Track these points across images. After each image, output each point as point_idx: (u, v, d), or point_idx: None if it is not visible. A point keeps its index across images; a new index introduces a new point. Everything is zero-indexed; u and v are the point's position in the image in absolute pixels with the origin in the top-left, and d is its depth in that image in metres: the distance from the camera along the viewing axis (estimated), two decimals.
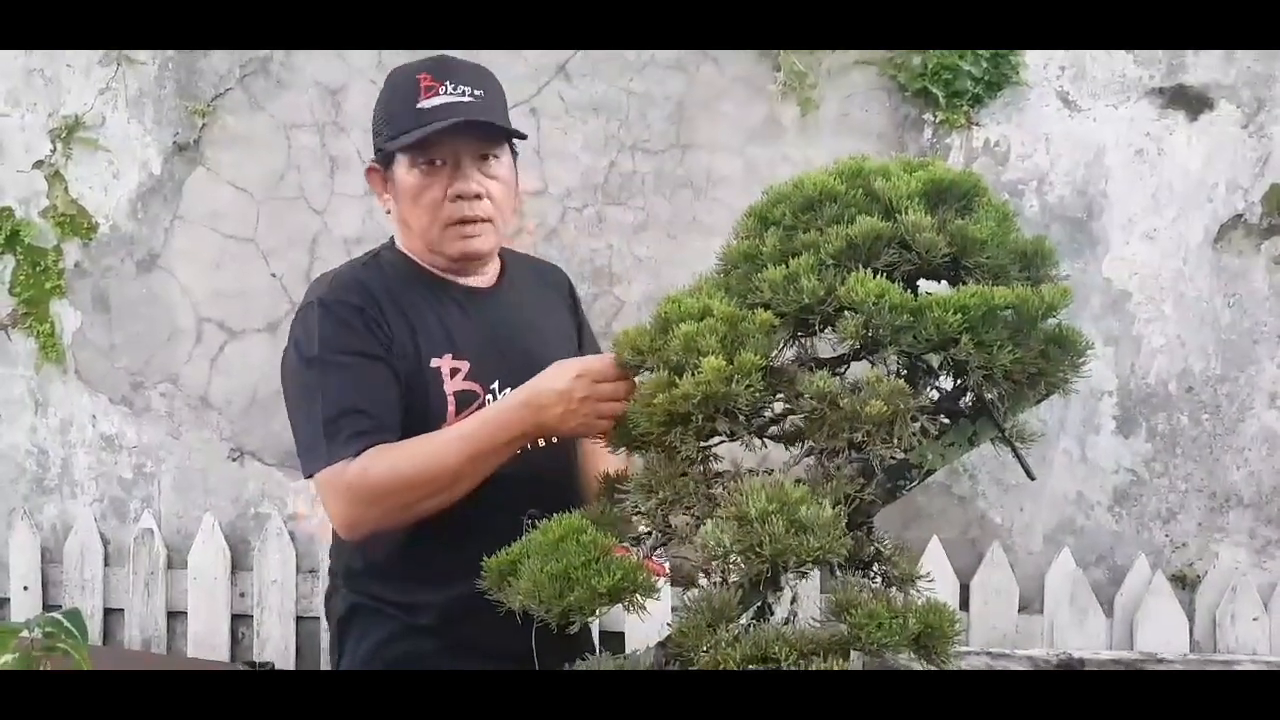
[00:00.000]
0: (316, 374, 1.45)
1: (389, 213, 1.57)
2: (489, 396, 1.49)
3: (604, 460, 1.46)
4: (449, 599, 1.46)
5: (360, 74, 2.59)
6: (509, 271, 1.64)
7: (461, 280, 1.56)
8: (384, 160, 1.53)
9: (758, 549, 1.05)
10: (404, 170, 1.50)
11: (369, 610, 1.54)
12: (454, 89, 1.47)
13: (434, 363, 1.49)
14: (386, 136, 1.51)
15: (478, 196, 1.49)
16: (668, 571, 1.27)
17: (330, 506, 1.44)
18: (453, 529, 1.44)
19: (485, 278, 1.59)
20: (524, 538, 1.23)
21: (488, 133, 1.49)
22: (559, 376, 1.36)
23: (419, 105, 1.46)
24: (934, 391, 1.23)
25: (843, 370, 1.24)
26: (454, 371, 1.49)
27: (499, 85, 1.56)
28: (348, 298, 1.48)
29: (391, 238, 1.61)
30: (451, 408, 1.48)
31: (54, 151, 2.72)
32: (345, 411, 1.41)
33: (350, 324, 1.46)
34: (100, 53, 2.68)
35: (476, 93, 1.49)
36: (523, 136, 1.56)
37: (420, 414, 1.45)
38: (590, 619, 1.13)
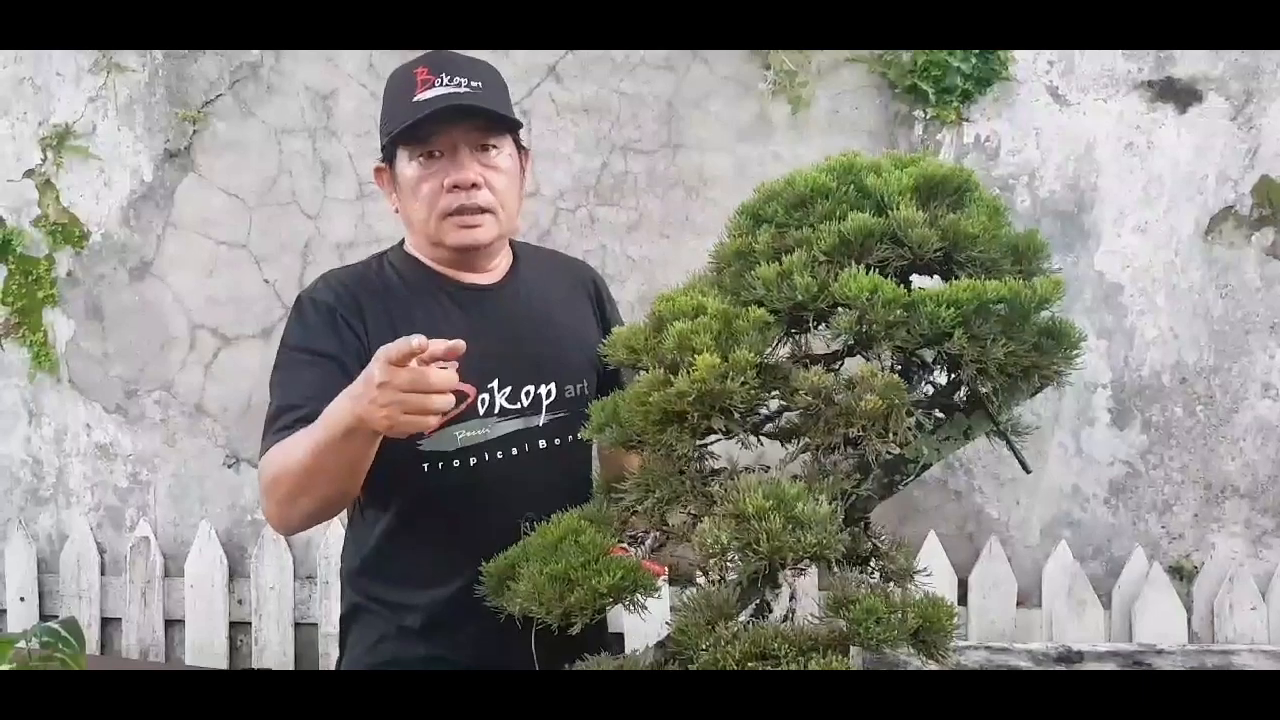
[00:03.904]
0: (276, 368, 1.48)
1: (397, 211, 1.56)
2: (485, 397, 1.48)
3: (627, 462, 1.42)
4: (436, 600, 1.47)
5: (351, 79, 2.59)
6: (520, 267, 1.61)
7: (465, 277, 1.54)
8: (389, 158, 1.53)
9: (755, 546, 1.05)
10: (404, 164, 1.49)
11: (365, 610, 1.55)
12: (450, 80, 1.46)
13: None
14: (386, 132, 1.51)
15: (475, 186, 1.47)
16: (666, 570, 1.27)
17: None
18: (440, 530, 1.46)
19: (491, 274, 1.57)
20: (521, 541, 1.23)
21: (484, 121, 1.48)
22: (372, 362, 1.23)
23: (415, 98, 1.46)
24: (928, 386, 1.23)
25: (837, 366, 1.24)
26: None
27: (499, 77, 1.55)
28: (323, 296, 1.49)
29: (402, 239, 1.60)
30: None
31: (45, 160, 2.71)
32: (284, 407, 1.42)
33: (312, 321, 1.46)
34: (90, 61, 2.68)
35: (474, 84, 1.48)
36: (519, 125, 1.54)
37: None
38: (591, 620, 1.13)
